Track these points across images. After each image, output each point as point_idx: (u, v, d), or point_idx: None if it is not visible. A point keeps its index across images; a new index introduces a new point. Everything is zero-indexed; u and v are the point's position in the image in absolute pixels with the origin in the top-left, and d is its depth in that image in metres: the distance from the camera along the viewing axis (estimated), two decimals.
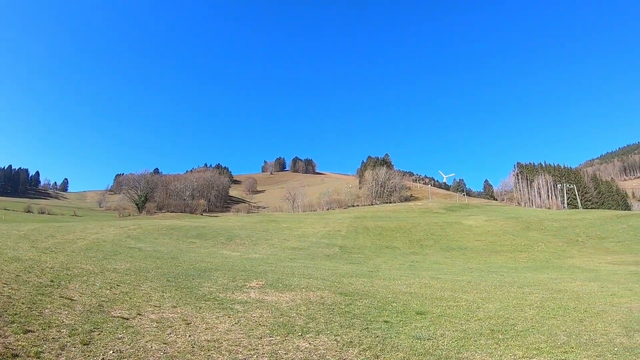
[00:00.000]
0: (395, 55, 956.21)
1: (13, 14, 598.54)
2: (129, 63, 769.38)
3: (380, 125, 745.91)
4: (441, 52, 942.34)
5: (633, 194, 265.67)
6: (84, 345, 8.52)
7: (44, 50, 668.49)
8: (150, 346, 8.89)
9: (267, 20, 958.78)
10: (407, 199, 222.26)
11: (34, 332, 8.91)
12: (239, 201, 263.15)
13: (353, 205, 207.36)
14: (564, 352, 9.84)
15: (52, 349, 8.13)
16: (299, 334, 10.71)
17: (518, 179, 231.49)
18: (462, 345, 10.21)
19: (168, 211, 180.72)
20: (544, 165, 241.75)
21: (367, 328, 11.60)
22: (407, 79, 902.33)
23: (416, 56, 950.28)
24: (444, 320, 12.91)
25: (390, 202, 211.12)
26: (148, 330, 9.98)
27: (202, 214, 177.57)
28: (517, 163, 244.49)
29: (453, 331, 11.62)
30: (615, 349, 10.16)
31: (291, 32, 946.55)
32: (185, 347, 9.01)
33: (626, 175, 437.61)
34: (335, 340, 10.29)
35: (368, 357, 9.13)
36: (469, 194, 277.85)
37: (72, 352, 8.12)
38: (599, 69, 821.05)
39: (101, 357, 8.07)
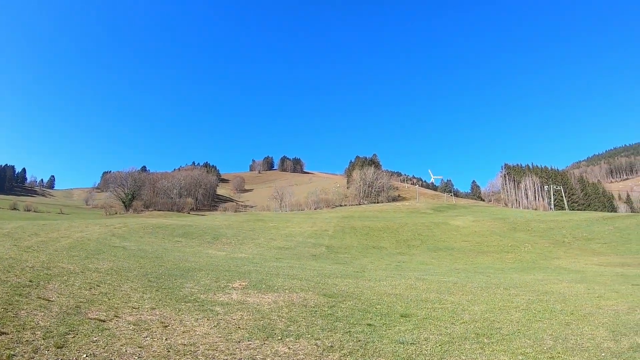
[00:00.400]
0: (384, 56, 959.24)
1: None
2: (116, 60, 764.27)
3: (369, 125, 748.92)
4: (430, 53, 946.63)
5: (619, 196, 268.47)
6: (58, 348, 8.25)
7: (29, 46, 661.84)
8: (125, 350, 8.59)
9: (257, 18, 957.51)
10: (394, 199, 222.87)
11: (7, 334, 8.61)
12: (226, 200, 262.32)
13: (341, 205, 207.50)
14: (550, 358, 9.72)
15: (25, 352, 7.85)
16: (279, 337, 10.47)
17: (505, 180, 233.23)
18: (446, 350, 10.03)
19: (155, 209, 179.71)
20: (531, 166, 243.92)
21: (350, 331, 11.38)
22: (396, 79, 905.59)
23: (405, 57, 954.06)
24: (428, 323, 12.72)
25: (377, 202, 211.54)
26: (124, 333, 9.67)
27: (189, 213, 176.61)
28: (505, 164, 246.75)
29: (437, 335, 11.43)
30: (603, 354, 10.04)
31: (280, 31, 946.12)
32: (160, 352, 8.72)
33: (613, 177, 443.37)
34: (316, 344, 10.07)
35: None
36: (456, 194, 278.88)
37: (45, 356, 7.84)
38: (587, 71, 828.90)
39: None
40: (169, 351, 8.83)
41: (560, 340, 11.20)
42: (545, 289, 21.79)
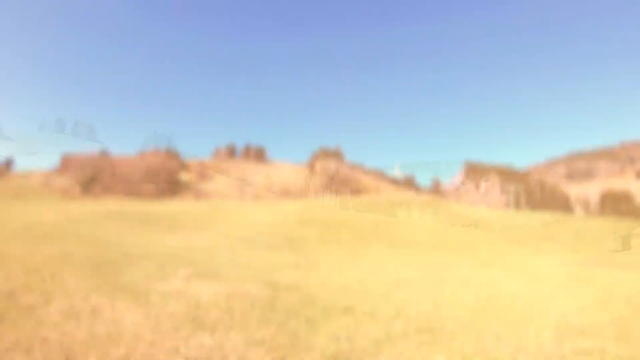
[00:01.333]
0: (350, 51, 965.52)
1: None
2: (79, 39, 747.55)
3: (334, 117, 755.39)
4: (394, 49, 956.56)
5: (577, 198, 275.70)
6: None
7: None
8: (47, 337, 8.43)
9: (228, 2, 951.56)
10: (356, 192, 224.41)
11: None
12: (188, 186, 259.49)
13: (302, 196, 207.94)
14: (487, 359, 9.58)
15: None
16: (208, 329, 10.19)
17: (466, 178, 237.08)
18: (381, 348, 9.88)
19: (115, 194, 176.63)
20: (492, 165, 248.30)
21: (285, 325, 11.10)
22: (364, 74, 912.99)
23: (372, 53, 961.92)
24: (369, 319, 12.52)
25: (339, 194, 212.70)
26: (51, 320, 9.40)
27: (149, 199, 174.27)
28: (466, 162, 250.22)
29: (376, 331, 11.21)
30: (544, 357, 9.89)
31: (249, 20, 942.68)
32: (83, 339, 8.45)
33: (571, 180, 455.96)
34: (245, 337, 9.80)
35: (273, 359, 8.72)
36: (418, 189, 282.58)
37: None
38: (552, 77, 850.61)
39: None
40: (92, 339, 8.67)
41: (502, 341, 11.10)
42: (497, 286, 21.83)
